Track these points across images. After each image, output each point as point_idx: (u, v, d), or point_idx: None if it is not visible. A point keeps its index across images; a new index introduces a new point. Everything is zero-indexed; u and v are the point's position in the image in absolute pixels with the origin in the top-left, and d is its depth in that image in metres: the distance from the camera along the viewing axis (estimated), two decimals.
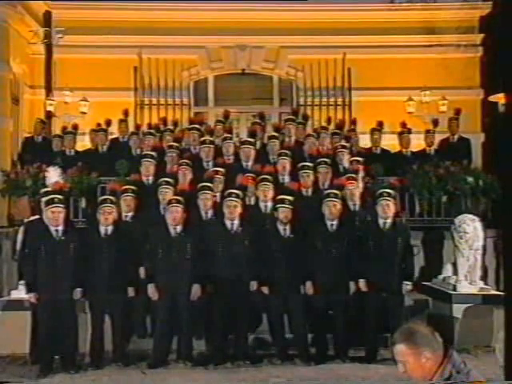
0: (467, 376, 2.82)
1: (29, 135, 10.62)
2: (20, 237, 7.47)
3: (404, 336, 2.93)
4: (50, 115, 10.63)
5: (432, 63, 11.67)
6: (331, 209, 6.92)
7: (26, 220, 7.90)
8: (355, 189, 7.49)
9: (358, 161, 8.28)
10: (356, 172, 7.84)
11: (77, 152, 9.84)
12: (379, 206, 6.92)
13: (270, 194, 7.39)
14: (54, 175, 7.79)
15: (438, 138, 10.02)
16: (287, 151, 8.32)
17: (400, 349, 2.91)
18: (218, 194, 7.55)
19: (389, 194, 6.98)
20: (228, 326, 6.85)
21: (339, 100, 11.71)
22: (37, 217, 7.35)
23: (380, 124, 9.98)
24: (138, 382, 6.32)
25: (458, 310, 7.42)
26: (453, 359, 2.87)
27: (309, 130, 10.12)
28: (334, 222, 6.93)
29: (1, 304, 7.47)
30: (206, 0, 11.64)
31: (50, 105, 11.23)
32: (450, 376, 2.83)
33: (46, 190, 7.41)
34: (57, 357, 6.66)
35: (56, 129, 11.07)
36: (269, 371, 6.57)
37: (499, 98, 9.65)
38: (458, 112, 10.35)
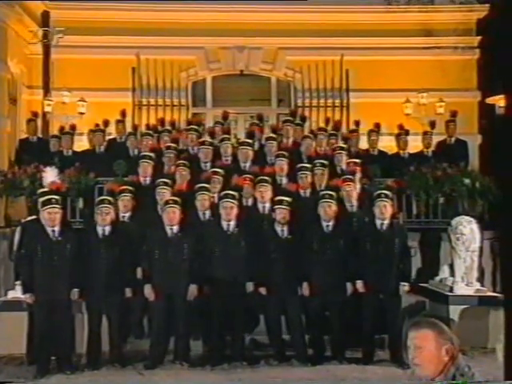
0: (471, 379, 2.81)
1: (24, 136, 10.59)
2: (17, 237, 7.46)
3: (431, 322, 2.89)
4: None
5: (429, 65, 11.68)
6: (326, 210, 6.93)
7: (22, 220, 7.89)
8: (352, 190, 7.50)
9: (355, 162, 8.28)
10: (353, 173, 7.85)
11: (74, 152, 9.82)
12: (376, 208, 6.93)
13: (268, 194, 7.40)
14: (51, 175, 7.76)
15: (435, 139, 10.04)
16: (285, 152, 8.33)
17: (424, 333, 2.85)
18: (215, 195, 7.56)
19: (386, 196, 7.00)
20: (225, 326, 6.84)
21: (337, 101, 11.71)
22: (34, 217, 7.35)
23: (377, 126, 10.00)
24: (134, 383, 6.32)
25: (454, 311, 7.42)
26: (457, 362, 2.85)
27: (307, 131, 10.12)
28: (330, 223, 6.94)
29: None
30: (204, 1, 11.66)
31: (48, 105, 11.21)
32: (453, 378, 2.81)
33: (43, 190, 7.39)
34: (54, 357, 6.64)
35: (54, 129, 11.06)
36: (266, 372, 6.57)
37: (496, 100, 9.71)
38: (453, 114, 10.37)
